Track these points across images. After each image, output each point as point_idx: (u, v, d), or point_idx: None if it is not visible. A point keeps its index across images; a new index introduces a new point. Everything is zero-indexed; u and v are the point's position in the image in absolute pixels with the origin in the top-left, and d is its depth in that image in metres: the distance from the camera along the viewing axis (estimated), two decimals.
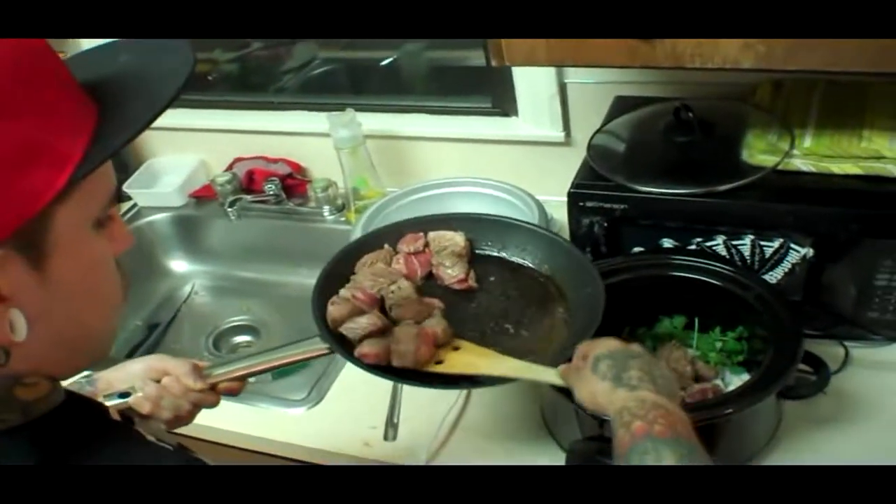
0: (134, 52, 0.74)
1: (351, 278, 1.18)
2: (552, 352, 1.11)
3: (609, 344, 0.98)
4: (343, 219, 1.92)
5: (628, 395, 0.89)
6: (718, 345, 1.27)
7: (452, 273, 1.21)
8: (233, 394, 1.10)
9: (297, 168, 2.06)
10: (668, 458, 0.79)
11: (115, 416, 0.78)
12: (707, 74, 1.40)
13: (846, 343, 1.32)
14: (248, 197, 2.02)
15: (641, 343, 1.29)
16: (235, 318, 1.94)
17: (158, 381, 1.04)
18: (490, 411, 1.37)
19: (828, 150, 1.26)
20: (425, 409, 1.38)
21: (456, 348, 1.09)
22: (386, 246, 1.25)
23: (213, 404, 1.08)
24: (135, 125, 0.65)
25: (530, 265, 1.25)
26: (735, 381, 1.24)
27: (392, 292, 1.13)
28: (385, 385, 1.43)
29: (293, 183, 2.04)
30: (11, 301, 0.62)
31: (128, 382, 1.04)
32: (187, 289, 2.08)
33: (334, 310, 1.09)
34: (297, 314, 1.88)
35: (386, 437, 1.34)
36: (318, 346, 1.09)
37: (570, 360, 1.00)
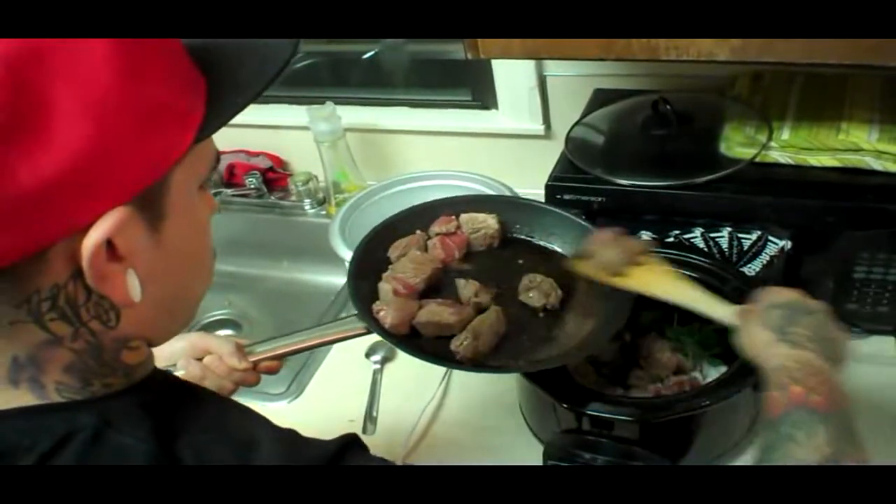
0: None
1: (389, 267, 1.16)
2: (581, 338, 1.10)
3: (787, 295, 0.96)
4: (324, 212, 1.91)
5: (789, 352, 0.88)
6: (696, 337, 1.27)
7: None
8: (272, 373, 1.09)
9: (278, 162, 2.06)
10: (820, 433, 0.77)
11: None
12: (686, 67, 1.41)
13: None
14: (229, 191, 2.02)
15: (619, 335, 1.30)
16: (217, 312, 1.93)
17: (200, 360, 1.04)
18: (468, 405, 1.37)
19: (806, 142, 1.26)
20: (404, 402, 1.38)
21: (639, 264, 1.10)
22: (418, 232, 1.23)
23: (255, 383, 1.08)
24: (251, 87, 0.67)
25: (559, 250, 1.24)
26: (713, 373, 1.23)
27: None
28: (364, 378, 1.44)
29: (274, 176, 2.04)
30: (127, 262, 0.63)
31: (169, 359, 1.03)
32: None
33: (385, 317, 1.06)
34: (279, 307, 1.89)
35: (364, 431, 1.34)
36: (356, 325, 1.08)
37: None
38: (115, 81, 0.57)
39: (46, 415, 0.64)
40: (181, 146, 0.63)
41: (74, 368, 0.65)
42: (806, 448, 0.77)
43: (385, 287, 1.11)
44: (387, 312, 1.06)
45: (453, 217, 1.24)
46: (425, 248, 1.21)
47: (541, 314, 1.13)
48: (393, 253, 1.19)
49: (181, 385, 0.77)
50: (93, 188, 0.58)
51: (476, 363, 1.05)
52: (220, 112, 0.66)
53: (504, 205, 1.30)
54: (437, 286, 1.15)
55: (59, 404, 0.65)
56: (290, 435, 0.73)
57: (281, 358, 1.09)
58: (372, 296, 1.11)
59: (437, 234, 1.22)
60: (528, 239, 1.26)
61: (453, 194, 1.60)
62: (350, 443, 0.74)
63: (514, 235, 1.27)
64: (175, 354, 1.03)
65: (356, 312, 1.08)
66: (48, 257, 0.59)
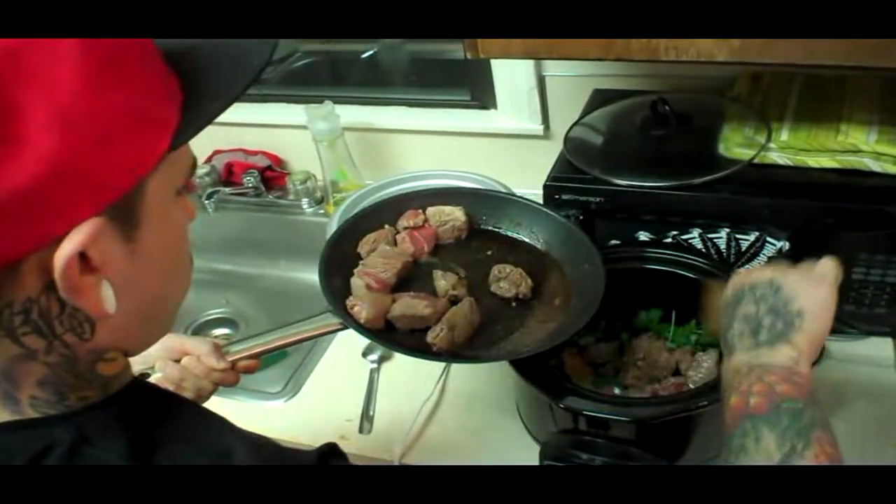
0: None
1: (360, 263, 1.16)
2: (555, 327, 1.11)
3: (731, 284, 0.94)
4: (322, 211, 1.91)
5: (727, 363, 0.88)
6: (693, 338, 1.27)
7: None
8: (250, 372, 1.08)
9: (277, 160, 2.05)
10: (766, 436, 0.77)
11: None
12: (685, 68, 1.41)
13: None
14: (227, 189, 2.01)
15: (617, 336, 1.30)
16: (214, 311, 1.92)
17: (178, 361, 1.03)
18: (465, 404, 1.37)
19: (804, 143, 1.25)
20: (401, 401, 1.37)
21: None
22: (386, 226, 1.24)
23: (234, 383, 1.06)
24: (228, 91, 0.65)
25: (527, 240, 1.25)
26: None
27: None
28: (361, 377, 1.44)
29: (272, 175, 2.03)
30: (101, 273, 0.61)
31: (144, 362, 1.01)
32: None
33: (360, 312, 1.06)
34: (277, 306, 1.88)
35: (361, 430, 1.34)
36: (332, 321, 1.07)
37: None
38: (87, 86, 0.55)
39: (21, 431, 0.63)
40: (156, 153, 0.61)
41: (49, 382, 0.64)
42: (757, 456, 0.78)
43: (357, 282, 1.12)
44: (361, 307, 1.06)
45: (420, 211, 1.25)
46: (394, 243, 1.22)
47: (513, 304, 1.15)
48: (363, 248, 1.20)
49: (159, 395, 0.76)
50: (65, 198, 0.56)
51: (453, 354, 1.06)
52: (196, 117, 0.64)
53: (470, 197, 1.31)
54: (408, 280, 1.16)
55: (35, 420, 0.64)
56: (269, 445, 0.72)
57: (259, 356, 1.08)
58: (345, 291, 1.11)
59: (406, 228, 1.23)
60: (496, 230, 1.28)
61: None
62: (328, 452, 0.74)
63: (482, 227, 1.28)
64: (151, 357, 1.01)
65: (330, 309, 1.08)
66: (20, 270, 0.57)
